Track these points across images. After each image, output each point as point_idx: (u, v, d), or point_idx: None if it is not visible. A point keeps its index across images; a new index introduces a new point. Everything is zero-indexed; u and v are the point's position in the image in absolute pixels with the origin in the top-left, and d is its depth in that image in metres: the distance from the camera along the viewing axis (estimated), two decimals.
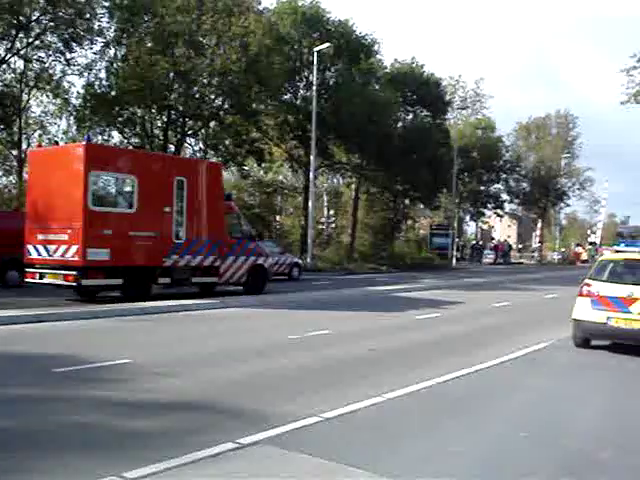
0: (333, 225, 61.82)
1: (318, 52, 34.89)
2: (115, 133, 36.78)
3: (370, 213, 54.56)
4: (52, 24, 29.64)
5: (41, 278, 16.18)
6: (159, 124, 36.15)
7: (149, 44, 30.82)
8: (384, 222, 53.49)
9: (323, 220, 60.71)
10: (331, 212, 62.14)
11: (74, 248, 15.30)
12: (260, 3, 37.65)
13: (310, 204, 36.35)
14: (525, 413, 7.60)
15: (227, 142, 37.70)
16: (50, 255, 15.85)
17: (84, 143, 15.69)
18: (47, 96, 35.84)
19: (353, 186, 49.98)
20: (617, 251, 13.18)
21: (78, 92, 35.10)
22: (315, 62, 35.07)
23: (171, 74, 30.93)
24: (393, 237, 52.82)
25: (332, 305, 17.95)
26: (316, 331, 12.73)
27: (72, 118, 36.31)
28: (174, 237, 17.28)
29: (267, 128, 41.70)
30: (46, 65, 33.42)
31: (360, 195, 49.63)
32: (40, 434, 5.97)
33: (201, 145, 38.53)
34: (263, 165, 45.21)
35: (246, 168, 43.56)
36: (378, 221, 54.15)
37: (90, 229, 15.33)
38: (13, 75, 32.81)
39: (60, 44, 30.55)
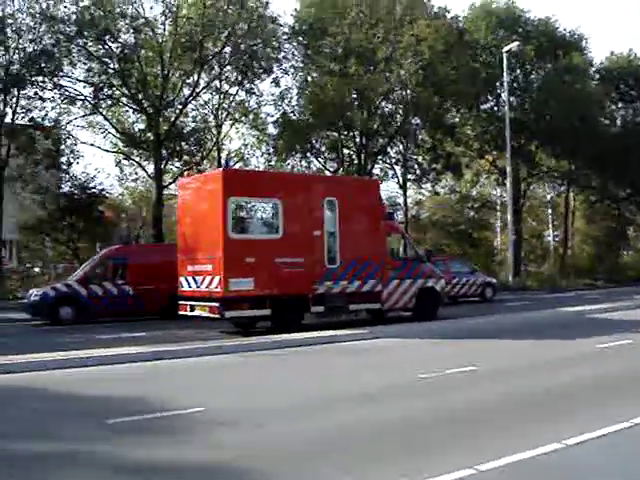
0: (557, 239, 57.41)
1: (508, 52, 32.15)
2: (314, 160, 37.13)
3: (591, 223, 49.69)
4: (234, 57, 30.20)
5: (192, 310, 15.82)
6: (351, 146, 35.70)
7: (328, 66, 30.34)
8: (607, 232, 48.32)
9: (547, 234, 56.56)
10: (554, 224, 57.76)
11: (217, 279, 14.76)
12: (449, 11, 35.98)
13: (509, 217, 33.58)
14: None
15: (420, 158, 36.18)
16: (198, 287, 15.46)
17: (221, 169, 15.16)
18: (241, 128, 36.98)
19: (567, 195, 45.78)
20: None
21: (274, 122, 35.75)
22: (505, 63, 32.34)
23: (350, 93, 30.17)
24: (618, 248, 47.58)
25: (507, 332, 15.53)
26: (460, 367, 10.69)
27: (271, 148, 37.07)
28: (327, 262, 16.15)
29: (467, 140, 39.67)
30: (242, 98, 34.43)
31: (576, 204, 45.36)
32: None
33: (390, 163, 37.35)
34: (464, 179, 43.11)
35: (443, 184, 41.66)
36: (601, 231, 49.04)
37: (231, 258, 14.68)
38: (206, 111, 34.15)
39: (240, 76, 31.07)
